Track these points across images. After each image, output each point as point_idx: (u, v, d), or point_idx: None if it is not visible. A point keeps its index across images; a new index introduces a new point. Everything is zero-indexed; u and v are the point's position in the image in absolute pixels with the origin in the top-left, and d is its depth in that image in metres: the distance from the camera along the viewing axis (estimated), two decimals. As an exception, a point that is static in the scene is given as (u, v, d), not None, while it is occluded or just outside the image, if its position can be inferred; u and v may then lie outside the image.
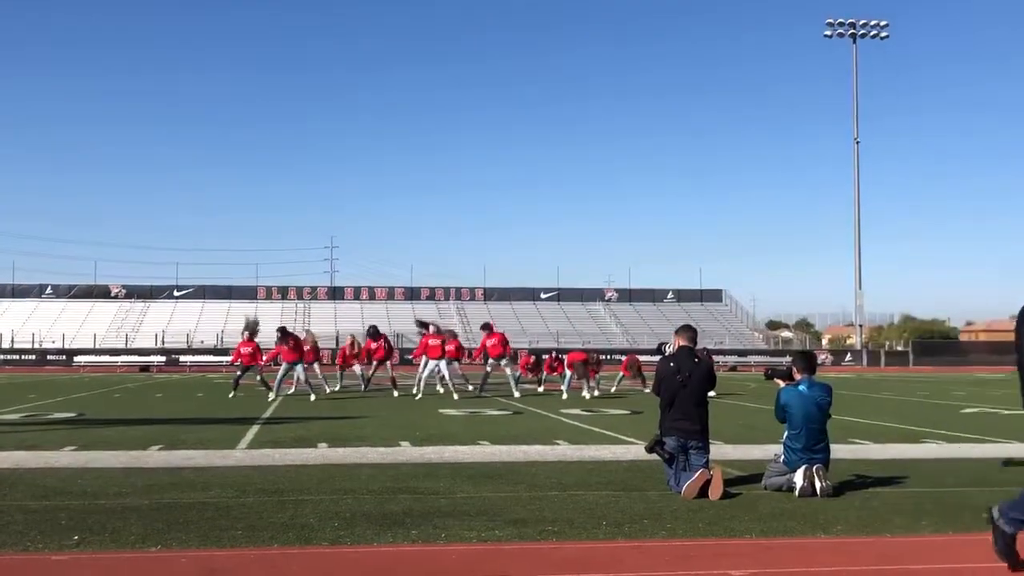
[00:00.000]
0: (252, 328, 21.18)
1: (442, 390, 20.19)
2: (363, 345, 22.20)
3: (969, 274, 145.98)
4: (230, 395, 20.06)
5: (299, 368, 19.81)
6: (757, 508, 6.71)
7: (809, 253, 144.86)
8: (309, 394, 19.39)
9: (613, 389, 22.25)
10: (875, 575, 5.12)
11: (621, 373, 22.17)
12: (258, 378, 20.90)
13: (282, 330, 20.33)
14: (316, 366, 21.42)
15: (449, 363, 20.28)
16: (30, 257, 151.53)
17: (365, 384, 21.77)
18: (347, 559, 5.25)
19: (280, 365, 20.12)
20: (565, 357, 21.39)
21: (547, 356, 23.60)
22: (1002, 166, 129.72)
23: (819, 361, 10.45)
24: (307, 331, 23.82)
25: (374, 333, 21.94)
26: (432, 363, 20.26)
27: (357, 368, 22.18)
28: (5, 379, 32.15)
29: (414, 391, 20.35)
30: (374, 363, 21.91)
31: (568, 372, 20.57)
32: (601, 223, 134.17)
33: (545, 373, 22.85)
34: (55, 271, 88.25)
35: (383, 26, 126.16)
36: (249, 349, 20.67)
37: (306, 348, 20.68)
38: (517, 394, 19.90)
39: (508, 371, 20.78)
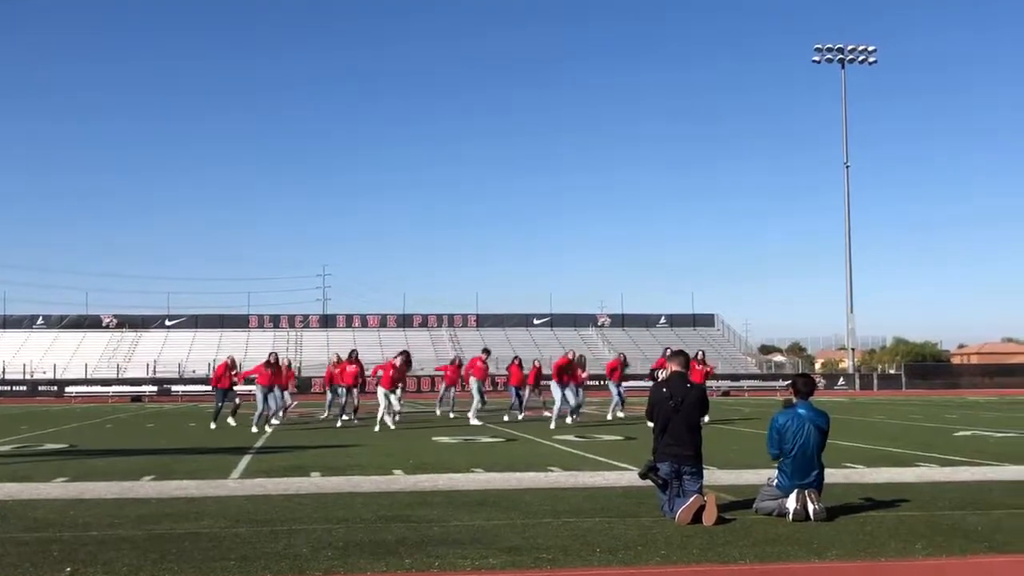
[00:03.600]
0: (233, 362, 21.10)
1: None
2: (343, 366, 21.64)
3: (961, 297, 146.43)
4: (211, 426, 19.70)
5: (274, 392, 19.53)
6: (752, 534, 6.70)
7: (801, 277, 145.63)
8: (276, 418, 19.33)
9: (610, 416, 21.66)
10: (870, 600, 5.12)
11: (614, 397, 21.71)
12: (236, 400, 20.61)
13: (275, 355, 20.23)
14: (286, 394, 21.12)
15: (447, 389, 20.72)
16: (21, 287, 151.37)
17: (353, 413, 21.21)
18: (341, 589, 5.22)
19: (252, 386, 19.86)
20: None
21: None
22: (993, 189, 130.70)
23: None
24: (288, 359, 23.56)
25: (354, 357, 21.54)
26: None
27: (341, 392, 21.52)
28: (-5, 410, 31.94)
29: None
30: (354, 389, 21.43)
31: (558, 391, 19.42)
32: (593, 249, 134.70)
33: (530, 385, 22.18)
34: (46, 301, 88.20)
35: (377, 56, 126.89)
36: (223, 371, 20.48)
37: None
38: (521, 416, 20.42)
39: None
